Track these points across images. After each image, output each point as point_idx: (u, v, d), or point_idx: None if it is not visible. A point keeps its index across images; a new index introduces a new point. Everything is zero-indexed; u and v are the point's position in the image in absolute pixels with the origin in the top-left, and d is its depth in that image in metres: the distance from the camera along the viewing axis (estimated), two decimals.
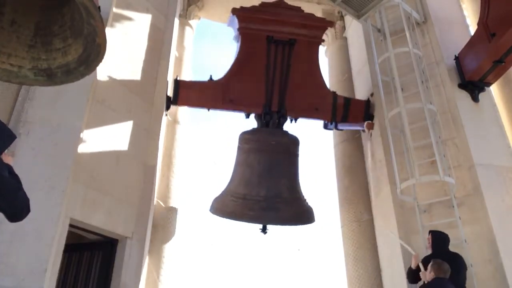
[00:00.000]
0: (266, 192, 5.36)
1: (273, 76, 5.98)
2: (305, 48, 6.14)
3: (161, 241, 6.00)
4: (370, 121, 6.02)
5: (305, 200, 5.72)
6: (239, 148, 5.85)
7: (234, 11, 5.97)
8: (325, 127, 6.63)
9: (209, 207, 5.51)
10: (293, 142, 5.98)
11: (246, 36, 6.07)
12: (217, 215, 5.41)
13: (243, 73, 6.07)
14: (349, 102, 6.41)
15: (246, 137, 5.86)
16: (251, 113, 6.07)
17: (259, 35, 6.00)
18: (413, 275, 4.45)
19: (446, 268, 3.91)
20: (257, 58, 6.01)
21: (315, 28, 6.26)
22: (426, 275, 4.03)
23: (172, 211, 6.34)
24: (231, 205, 5.33)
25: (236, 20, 6.04)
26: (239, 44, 6.19)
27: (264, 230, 5.43)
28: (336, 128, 6.49)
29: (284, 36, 6.01)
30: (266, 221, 5.35)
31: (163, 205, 6.21)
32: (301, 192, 5.73)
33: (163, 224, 6.13)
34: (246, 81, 6.05)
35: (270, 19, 6.02)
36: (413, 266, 4.45)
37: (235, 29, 6.27)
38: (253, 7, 6.09)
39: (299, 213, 5.54)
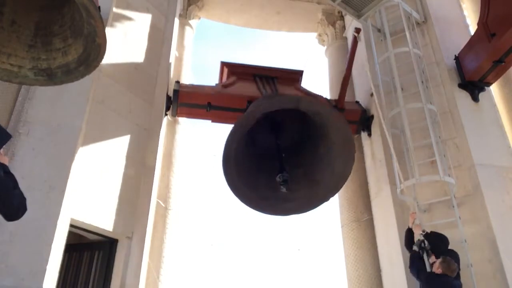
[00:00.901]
0: None
1: (263, 87, 6.14)
2: (286, 83, 6.42)
3: (161, 241, 6.00)
4: (357, 27, 6.12)
5: None
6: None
7: (223, 63, 6.54)
8: None
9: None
10: None
11: (234, 73, 6.43)
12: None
13: (237, 83, 6.27)
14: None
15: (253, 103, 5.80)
16: (251, 101, 6.03)
17: (246, 72, 6.40)
18: (408, 237, 4.65)
19: (454, 268, 4.00)
20: (246, 81, 6.27)
21: (292, 73, 6.64)
22: (434, 268, 4.09)
23: (172, 211, 6.34)
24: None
25: (224, 68, 6.51)
26: (225, 79, 6.50)
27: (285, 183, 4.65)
28: None
29: (267, 74, 6.44)
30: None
31: (163, 205, 6.20)
32: None
33: (163, 224, 6.12)
34: (241, 87, 6.19)
35: (253, 67, 6.56)
36: (410, 224, 4.74)
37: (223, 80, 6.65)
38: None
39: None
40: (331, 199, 4.99)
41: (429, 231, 4.61)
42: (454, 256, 4.28)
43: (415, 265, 4.33)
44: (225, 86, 6.20)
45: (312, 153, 5.14)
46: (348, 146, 4.60)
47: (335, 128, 4.64)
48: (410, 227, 4.78)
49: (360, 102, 6.85)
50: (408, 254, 4.68)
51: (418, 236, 4.55)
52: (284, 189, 4.50)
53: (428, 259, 4.33)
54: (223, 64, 6.52)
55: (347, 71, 6.35)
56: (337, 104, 6.29)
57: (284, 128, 5.26)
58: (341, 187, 4.91)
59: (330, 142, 4.81)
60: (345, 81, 6.35)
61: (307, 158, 5.16)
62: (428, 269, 4.25)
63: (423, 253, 4.36)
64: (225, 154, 4.34)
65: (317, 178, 4.97)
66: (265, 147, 5.26)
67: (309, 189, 5.00)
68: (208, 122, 6.38)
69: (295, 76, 6.61)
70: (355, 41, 5.98)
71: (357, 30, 5.97)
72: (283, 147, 5.11)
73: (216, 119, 6.31)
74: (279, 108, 4.67)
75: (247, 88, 6.08)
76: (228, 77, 6.45)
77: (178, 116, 6.48)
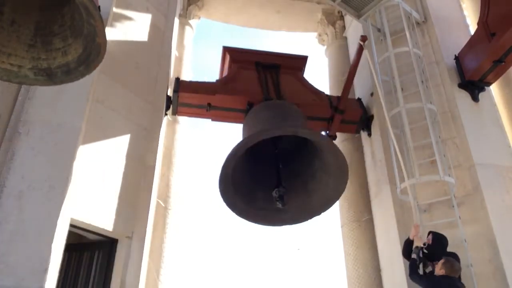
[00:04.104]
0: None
1: (266, 81, 6.08)
2: (289, 72, 6.34)
3: (161, 241, 6.00)
4: (363, 35, 5.97)
5: None
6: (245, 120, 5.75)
7: (225, 48, 6.45)
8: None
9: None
10: None
11: (235, 60, 6.33)
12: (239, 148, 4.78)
13: (238, 77, 6.20)
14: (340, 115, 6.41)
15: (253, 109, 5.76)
16: (251, 102, 5.99)
17: (248, 61, 6.29)
18: (407, 248, 4.52)
19: (457, 268, 3.96)
20: (248, 72, 6.18)
21: (295, 59, 6.55)
22: (437, 269, 4.04)
23: (172, 211, 6.34)
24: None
25: (226, 54, 6.42)
26: (227, 68, 6.44)
27: (282, 200, 4.77)
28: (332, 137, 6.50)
29: (270, 61, 6.34)
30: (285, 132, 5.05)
31: (163, 205, 6.21)
32: None
33: (163, 224, 6.12)
34: (241, 82, 6.13)
35: (255, 52, 6.51)
36: (411, 236, 4.54)
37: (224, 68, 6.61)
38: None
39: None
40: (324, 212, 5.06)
41: (429, 238, 4.51)
42: (454, 258, 4.27)
43: (416, 271, 4.25)
44: (225, 82, 6.15)
45: (307, 166, 5.23)
46: (342, 172, 4.68)
47: (330, 154, 4.72)
48: (411, 238, 4.56)
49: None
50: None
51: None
52: (280, 205, 4.67)
53: (424, 269, 4.27)
54: (225, 49, 6.42)
55: (349, 77, 6.27)
56: (338, 105, 6.28)
57: (281, 141, 5.31)
58: (334, 203, 4.99)
59: (324, 162, 4.91)
60: (347, 86, 6.29)
61: (303, 169, 5.26)
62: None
63: (419, 262, 4.27)
64: (221, 176, 4.44)
65: (311, 190, 5.07)
66: (263, 156, 5.32)
67: (303, 201, 5.09)
68: (208, 121, 6.37)
69: (298, 63, 6.49)
70: (361, 48, 5.85)
71: (363, 38, 5.80)
72: (280, 157, 5.23)
73: (216, 118, 6.30)
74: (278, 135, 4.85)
75: (248, 85, 6.03)
76: (229, 66, 6.33)
77: (178, 115, 6.46)
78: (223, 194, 4.60)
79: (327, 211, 5.01)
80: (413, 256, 4.36)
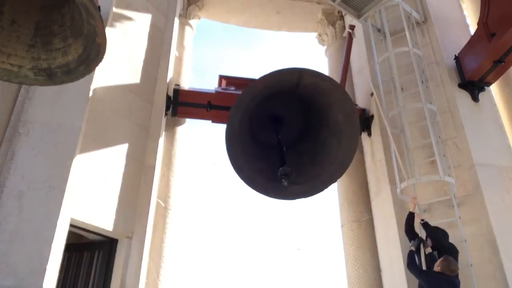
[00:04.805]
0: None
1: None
2: None
3: (161, 241, 5.99)
4: (351, 24, 6.16)
5: None
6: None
7: (221, 77, 6.57)
8: None
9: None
10: None
11: (231, 84, 6.40)
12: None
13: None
14: None
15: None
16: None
17: (244, 84, 6.17)
18: (409, 223, 4.61)
19: (453, 268, 3.96)
20: None
21: None
22: (435, 266, 4.06)
23: (172, 211, 6.34)
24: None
25: (222, 80, 6.52)
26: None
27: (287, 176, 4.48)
28: None
29: None
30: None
31: (163, 205, 6.20)
32: None
33: (163, 224, 6.12)
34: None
35: (250, 80, 6.37)
36: (412, 209, 4.65)
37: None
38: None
39: None
40: (336, 185, 4.90)
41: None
42: (453, 251, 4.27)
43: (414, 262, 4.27)
44: (224, 89, 6.23)
45: (315, 136, 4.92)
46: (352, 120, 4.38)
47: (338, 103, 4.40)
48: (412, 210, 4.68)
49: (360, 102, 6.85)
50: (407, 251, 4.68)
51: (417, 224, 4.55)
52: (285, 183, 4.31)
53: (424, 250, 4.32)
54: (221, 77, 6.56)
55: (344, 68, 6.38)
56: None
57: (286, 117, 4.94)
58: (348, 165, 4.63)
59: (333, 122, 4.61)
60: (342, 77, 6.33)
61: (311, 142, 4.96)
62: (423, 261, 4.24)
63: (419, 244, 4.35)
64: (228, 128, 4.11)
65: (322, 159, 4.75)
66: (268, 139, 5.09)
67: (315, 172, 4.77)
68: (208, 122, 6.38)
69: None
70: (350, 37, 6.03)
71: (351, 27, 6.04)
72: (288, 135, 4.88)
73: (216, 119, 6.31)
74: (280, 81, 4.43)
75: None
76: (226, 86, 6.48)
77: (178, 117, 6.49)
78: (230, 153, 4.24)
79: (341, 177, 4.78)
80: (411, 247, 4.38)
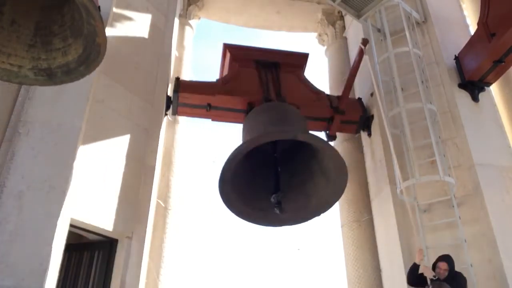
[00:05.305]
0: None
1: (266, 81, 6.06)
2: (290, 69, 6.32)
3: (161, 241, 6.00)
4: (364, 38, 5.95)
5: None
6: (245, 121, 5.70)
7: (225, 45, 6.42)
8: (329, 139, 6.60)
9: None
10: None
11: (235, 58, 6.30)
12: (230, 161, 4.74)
13: (238, 77, 6.19)
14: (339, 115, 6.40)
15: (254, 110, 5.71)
16: (251, 103, 5.99)
17: (249, 59, 6.27)
18: (413, 274, 4.32)
19: None
20: (248, 71, 6.16)
21: (296, 56, 6.52)
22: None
23: (172, 211, 6.35)
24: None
25: (227, 51, 6.39)
26: (227, 67, 6.41)
27: (279, 205, 4.80)
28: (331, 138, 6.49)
29: (270, 59, 6.31)
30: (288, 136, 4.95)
31: (163, 205, 6.21)
32: None
33: (163, 224, 6.13)
34: (242, 82, 6.12)
35: (256, 49, 6.49)
36: (417, 261, 4.32)
37: (225, 64, 6.57)
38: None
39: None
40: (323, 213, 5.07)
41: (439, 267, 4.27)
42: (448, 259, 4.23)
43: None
44: (225, 82, 6.15)
45: (306, 168, 5.22)
46: (341, 176, 4.70)
47: (330, 158, 4.73)
48: (417, 263, 4.32)
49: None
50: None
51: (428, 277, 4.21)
52: (277, 211, 4.70)
53: None
54: (226, 46, 6.40)
55: (349, 79, 6.27)
56: (338, 105, 6.28)
57: (280, 143, 5.29)
58: (331, 206, 4.98)
59: (323, 165, 4.93)
60: (347, 88, 6.29)
61: (302, 171, 5.26)
62: None
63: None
64: (221, 179, 4.49)
65: (310, 192, 5.07)
66: (262, 158, 5.31)
67: (302, 202, 5.09)
68: (208, 121, 6.38)
69: (299, 60, 6.47)
70: (361, 52, 5.84)
71: (364, 42, 5.78)
72: (279, 160, 5.23)
73: (216, 118, 6.30)
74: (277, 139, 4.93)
75: (249, 85, 6.02)
76: (230, 64, 6.33)
77: (179, 115, 6.46)
78: (222, 195, 4.62)
79: (325, 212, 5.02)
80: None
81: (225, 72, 6.47)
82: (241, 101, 5.94)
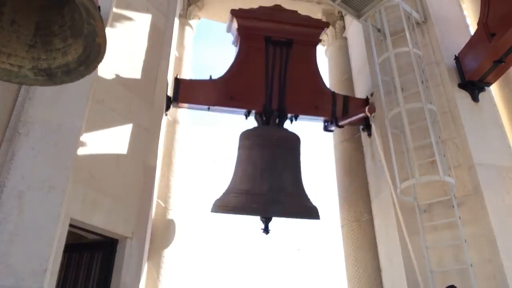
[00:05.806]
0: (269, 186, 5.26)
1: (272, 75, 6.06)
2: (303, 49, 6.27)
3: (161, 241, 6.00)
4: (371, 104, 5.96)
5: (308, 196, 5.71)
6: (240, 146, 5.83)
7: (233, 12, 6.20)
8: (326, 129, 6.63)
9: (210, 208, 5.46)
10: (295, 137, 6.02)
11: (245, 36, 6.22)
12: (218, 212, 5.27)
13: (243, 73, 6.18)
14: (347, 99, 6.44)
15: (248, 134, 5.83)
16: (251, 110, 6.07)
17: (258, 35, 6.17)
18: None
19: None
20: (256, 58, 6.12)
21: (312, 27, 6.47)
22: None
23: (172, 211, 6.34)
24: (233, 201, 5.24)
25: (235, 22, 6.23)
26: (238, 45, 6.30)
27: (266, 229, 5.29)
28: (337, 125, 6.44)
29: (282, 36, 6.18)
30: (271, 214, 5.21)
31: (163, 205, 6.20)
32: (304, 188, 5.72)
33: (163, 224, 6.12)
34: (246, 80, 6.12)
35: (267, 20, 6.28)
36: None
37: (234, 33, 6.40)
38: (251, 9, 6.36)
39: (304, 207, 5.45)
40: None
41: None
42: None
43: None
44: (226, 83, 6.14)
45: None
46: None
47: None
48: None
49: None
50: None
51: None
52: (264, 232, 5.33)
53: None
54: (233, 14, 6.22)
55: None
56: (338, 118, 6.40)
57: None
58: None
59: None
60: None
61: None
62: None
63: None
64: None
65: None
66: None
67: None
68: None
69: (313, 35, 6.38)
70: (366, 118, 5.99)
71: (370, 110, 5.78)
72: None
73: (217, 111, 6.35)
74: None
75: (250, 89, 6.05)
76: (237, 40, 6.29)
77: (180, 102, 6.31)
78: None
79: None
80: None
81: (232, 40, 6.39)
82: (240, 108, 6.03)
